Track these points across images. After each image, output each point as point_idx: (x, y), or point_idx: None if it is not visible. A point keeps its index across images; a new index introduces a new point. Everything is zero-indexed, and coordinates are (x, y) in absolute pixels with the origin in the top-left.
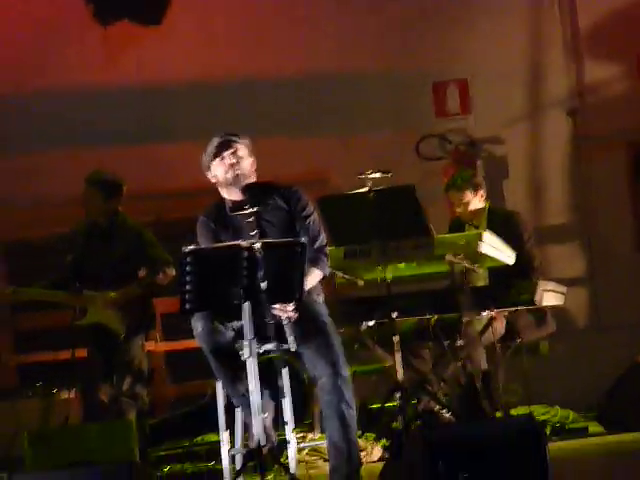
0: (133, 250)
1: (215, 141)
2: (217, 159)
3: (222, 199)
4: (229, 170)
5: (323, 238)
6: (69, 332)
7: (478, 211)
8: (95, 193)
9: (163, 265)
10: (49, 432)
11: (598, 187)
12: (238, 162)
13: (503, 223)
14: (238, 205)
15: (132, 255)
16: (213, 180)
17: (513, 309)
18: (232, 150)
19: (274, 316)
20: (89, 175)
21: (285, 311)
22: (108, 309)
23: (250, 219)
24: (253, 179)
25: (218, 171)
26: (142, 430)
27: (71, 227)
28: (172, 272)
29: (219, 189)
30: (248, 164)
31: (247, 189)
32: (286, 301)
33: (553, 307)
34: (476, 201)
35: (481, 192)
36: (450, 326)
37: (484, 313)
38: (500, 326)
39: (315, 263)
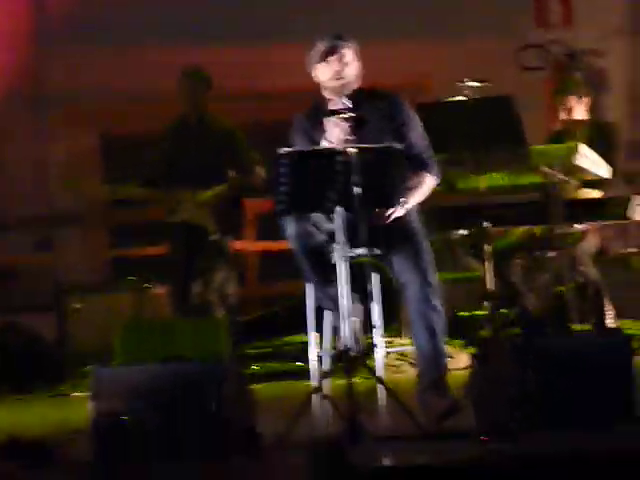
0: (224, 149)
1: (322, 44)
2: (322, 62)
3: (323, 99)
4: (333, 77)
5: (429, 145)
6: (163, 228)
7: (579, 122)
8: (193, 84)
9: (253, 165)
10: (140, 326)
11: None
12: (343, 69)
13: (601, 134)
14: (336, 110)
15: (223, 154)
16: (316, 80)
17: (606, 222)
18: (338, 55)
19: (367, 221)
20: (185, 68)
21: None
22: (200, 208)
23: (347, 124)
24: (357, 84)
25: (322, 75)
26: (232, 328)
27: (165, 124)
28: (262, 173)
29: (321, 89)
30: (353, 69)
31: (348, 95)
32: (381, 206)
33: None
34: (580, 109)
35: (585, 100)
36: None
37: (577, 225)
38: (595, 240)
39: (428, 170)
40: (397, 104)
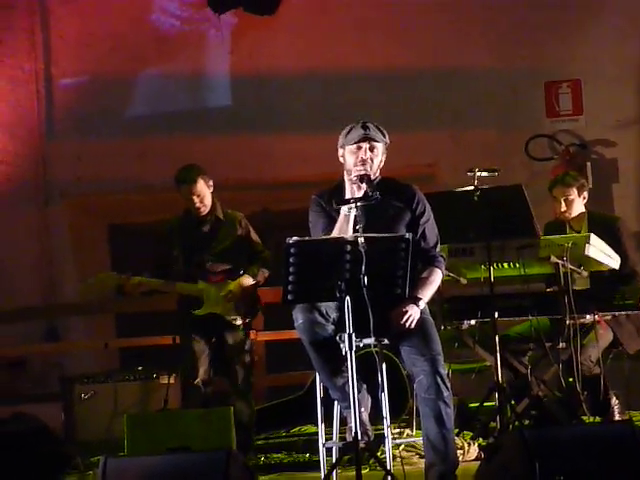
0: (237, 238)
1: (359, 129)
2: (353, 146)
3: (340, 185)
4: (358, 164)
5: (439, 240)
6: (171, 318)
7: (579, 215)
8: (205, 184)
9: (266, 262)
10: (148, 416)
11: None
12: (372, 160)
13: (603, 228)
14: (348, 199)
15: (237, 245)
16: (341, 160)
17: (617, 313)
18: (370, 145)
19: (375, 311)
20: (195, 167)
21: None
22: (225, 300)
23: (356, 212)
24: (375, 175)
25: (348, 157)
26: (250, 417)
27: (173, 214)
28: (266, 273)
29: (344, 172)
30: (378, 163)
31: (367, 186)
32: (389, 297)
33: None
34: (579, 202)
35: (584, 194)
36: (552, 329)
37: (587, 316)
38: (605, 333)
39: (438, 265)
40: (415, 196)
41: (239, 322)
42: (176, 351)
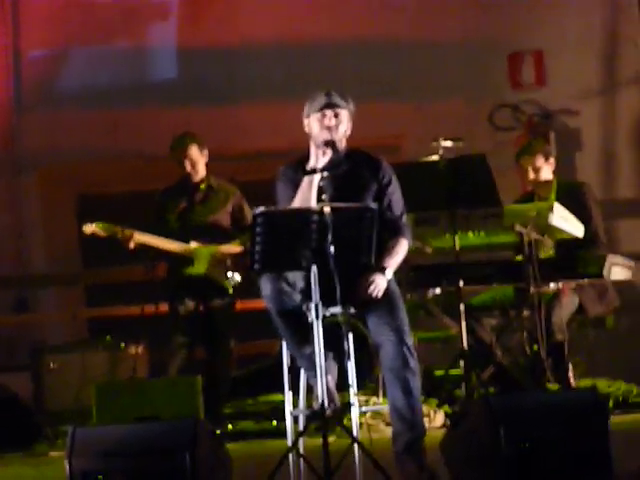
0: (230, 212)
1: (322, 97)
2: (318, 114)
3: (307, 155)
4: (323, 130)
5: (404, 210)
6: (140, 288)
7: (547, 183)
8: (199, 150)
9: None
10: (117, 385)
11: None
12: (336, 126)
13: (570, 194)
14: (314, 168)
15: (228, 216)
16: (306, 130)
17: (580, 281)
18: (335, 111)
19: (342, 280)
20: (190, 135)
21: (374, 285)
22: (217, 264)
23: (322, 183)
24: (342, 144)
25: (313, 125)
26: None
27: (146, 185)
28: None
29: (310, 142)
30: (344, 129)
31: (332, 152)
32: (355, 266)
33: (621, 281)
34: (547, 170)
35: (551, 161)
36: (517, 297)
37: (551, 285)
38: (569, 300)
39: (404, 235)
40: (381, 167)
41: (233, 282)
42: (145, 321)
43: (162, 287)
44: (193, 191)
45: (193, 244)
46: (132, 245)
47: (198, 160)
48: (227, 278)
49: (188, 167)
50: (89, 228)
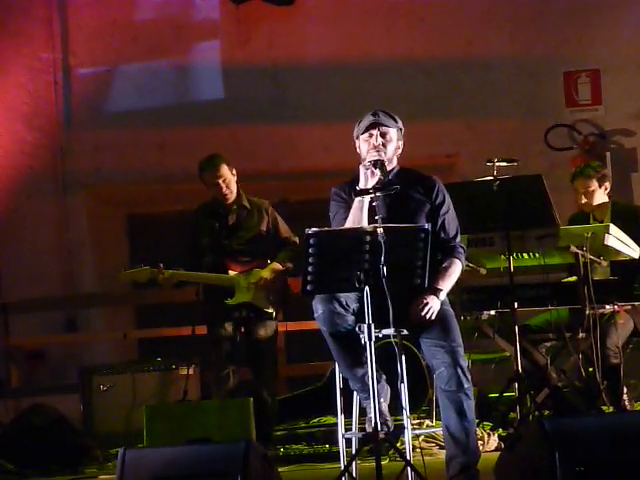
0: (265, 228)
1: (369, 117)
2: (365, 134)
3: (358, 175)
4: (371, 150)
5: (459, 231)
6: (190, 309)
7: (602, 205)
8: (229, 170)
9: (295, 249)
10: (168, 407)
11: None
12: (384, 145)
13: (626, 217)
14: (365, 189)
15: (265, 233)
16: (358, 151)
17: (636, 303)
18: (381, 131)
19: (395, 301)
20: (218, 156)
21: (428, 307)
22: (256, 288)
23: (375, 203)
24: (393, 164)
25: (362, 146)
26: (272, 409)
27: (192, 204)
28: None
29: (361, 164)
30: (392, 149)
31: (387, 173)
32: (408, 287)
33: None
34: (601, 193)
35: (606, 185)
36: (572, 319)
37: (607, 306)
38: (626, 322)
39: (457, 256)
40: (435, 187)
41: (271, 310)
42: (195, 342)
43: (201, 312)
44: (226, 213)
45: (232, 273)
46: (173, 284)
47: (231, 179)
48: (269, 302)
49: (224, 188)
50: (126, 276)
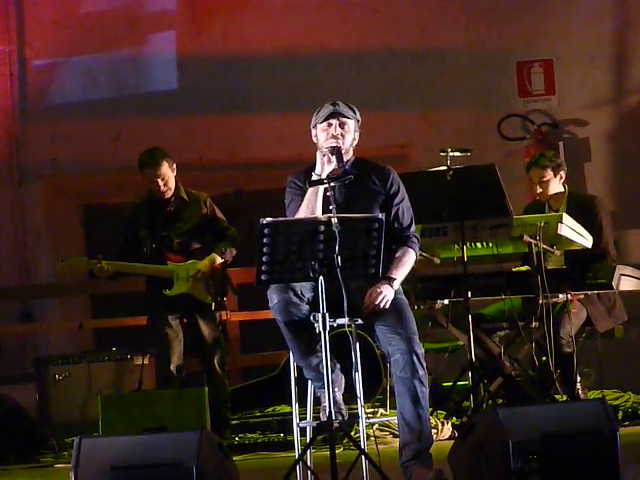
0: (202, 217)
1: (328, 107)
2: (324, 124)
3: (314, 165)
4: (330, 139)
5: (413, 221)
6: (144, 298)
7: (558, 195)
8: (169, 166)
9: (233, 240)
10: (123, 397)
11: None
12: (342, 135)
13: (582, 207)
14: (320, 179)
15: (203, 224)
16: (314, 140)
17: (589, 292)
18: (340, 121)
19: (349, 291)
20: (159, 151)
21: (382, 296)
22: (194, 279)
23: (329, 193)
24: (350, 154)
25: (320, 135)
26: (224, 397)
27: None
28: (234, 251)
29: (317, 152)
30: (350, 139)
31: (337, 161)
32: (362, 277)
33: (630, 291)
34: (556, 182)
35: (562, 174)
36: (526, 308)
37: (560, 296)
38: (579, 311)
39: (411, 245)
40: (389, 177)
41: (210, 301)
42: (150, 332)
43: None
44: (164, 206)
45: (170, 265)
46: (108, 275)
47: (170, 177)
48: (208, 292)
49: (162, 186)
50: (64, 267)
